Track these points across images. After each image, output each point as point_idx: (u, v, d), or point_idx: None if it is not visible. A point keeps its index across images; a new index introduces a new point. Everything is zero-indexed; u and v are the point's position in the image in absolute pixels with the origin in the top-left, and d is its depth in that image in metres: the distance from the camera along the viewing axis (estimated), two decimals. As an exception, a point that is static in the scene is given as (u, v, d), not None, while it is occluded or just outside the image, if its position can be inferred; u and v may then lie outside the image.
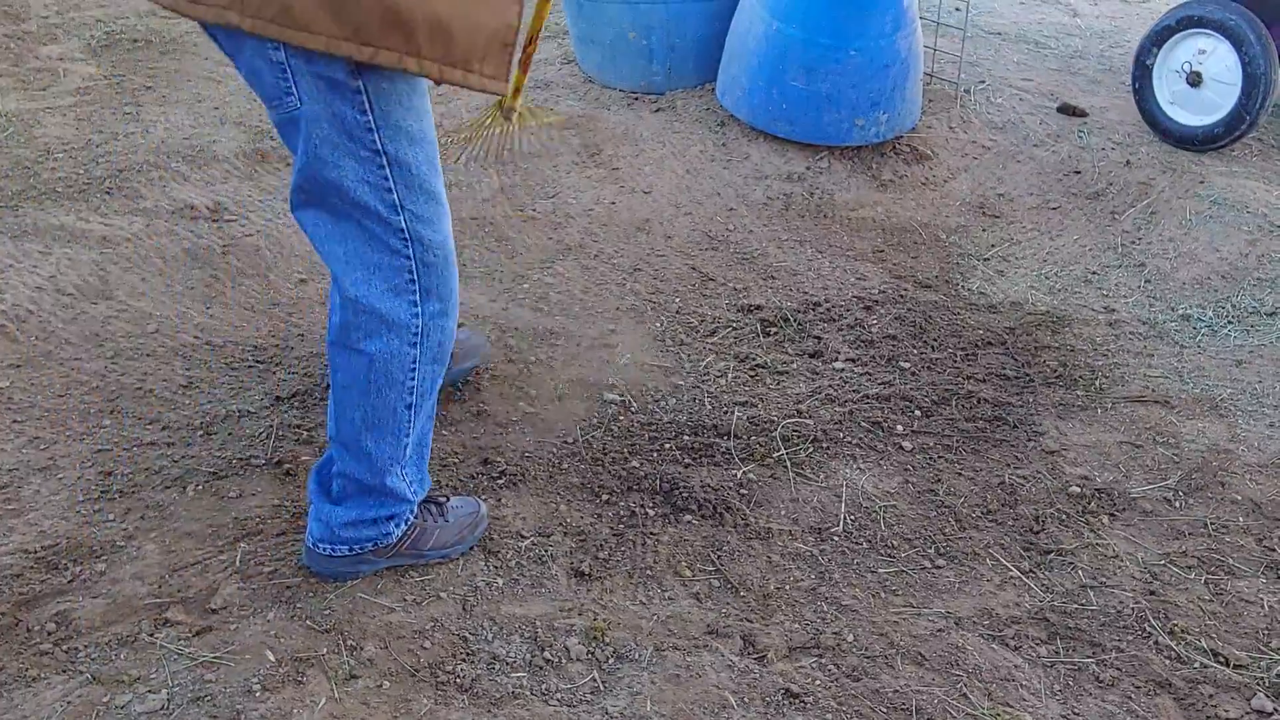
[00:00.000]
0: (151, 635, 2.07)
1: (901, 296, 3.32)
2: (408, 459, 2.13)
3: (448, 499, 2.31)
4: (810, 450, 2.67)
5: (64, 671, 1.99)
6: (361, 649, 2.07)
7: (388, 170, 1.84)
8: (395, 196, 1.86)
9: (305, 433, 2.65)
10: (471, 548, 2.31)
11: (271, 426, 2.66)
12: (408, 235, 1.90)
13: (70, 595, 2.15)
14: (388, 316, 1.95)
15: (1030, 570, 2.35)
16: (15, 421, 2.60)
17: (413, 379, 2.04)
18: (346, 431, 2.07)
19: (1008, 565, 2.36)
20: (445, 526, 2.27)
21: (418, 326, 1.98)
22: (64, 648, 2.04)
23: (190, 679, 1.98)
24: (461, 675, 2.03)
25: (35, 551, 2.25)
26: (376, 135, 1.80)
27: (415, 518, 2.22)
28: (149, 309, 3.08)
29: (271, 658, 2.03)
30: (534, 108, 2.95)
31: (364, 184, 1.83)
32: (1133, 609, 2.25)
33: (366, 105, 1.77)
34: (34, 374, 2.79)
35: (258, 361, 2.91)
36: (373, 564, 2.22)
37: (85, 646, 2.04)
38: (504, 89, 1.80)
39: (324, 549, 2.17)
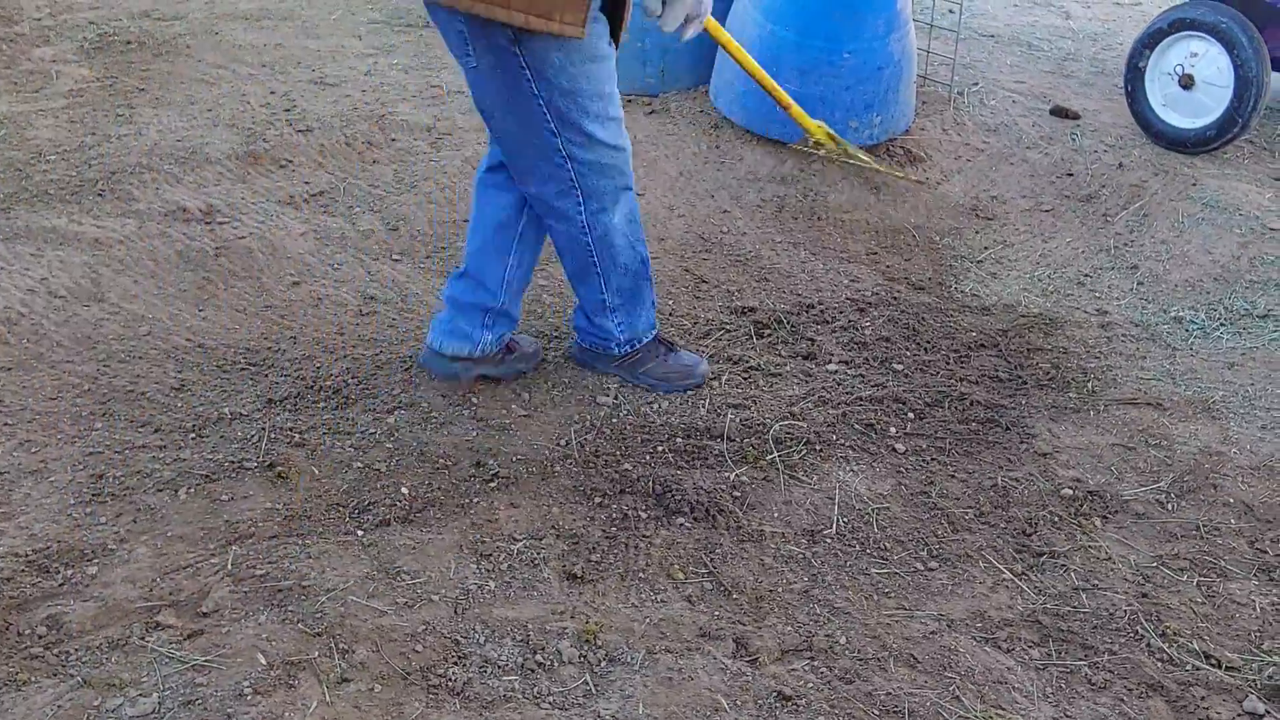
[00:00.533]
0: (143, 638, 2.07)
1: (894, 299, 3.32)
2: (603, 310, 2.76)
3: (676, 347, 2.89)
4: (803, 452, 2.68)
5: (55, 675, 1.98)
6: (353, 652, 2.06)
7: (546, 112, 2.39)
8: (552, 128, 2.42)
9: (297, 435, 2.64)
10: (684, 391, 2.84)
11: (264, 429, 2.66)
12: (565, 155, 2.47)
13: (61, 598, 2.15)
14: (559, 210, 2.58)
15: (1022, 572, 2.36)
16: (6, 424, 2.60)
17: (591, 254, 2.64)
18: (567, 270, 2.77)
19: (1000, 567, 2.37)
20: (662, 363, 2.85)
21: (583, 220, 2.59)
22: (55, 651, 2.03)
23: (181, 682, 1.98)
24: (453, 678, 2.03)
25: (26, 555, 2.24)
26: (534, 87, 2.35)
27: (639, 348, 2.84)
28: (141, 311, 3.07)
29: (263, 661, 2.03)
30: (845, 149, 3.47)
31: (529, 121, 2.41)
32: (1125, 611, 2.25)
33: (524, 65, 2.32)
34: (25, 376, 2.78)
35: (250, 364, 2.90)
36: (604, 367, 2.89)
37: (76, 650, 2.04)
38: (580, 34, 2.26)
39: (577, 340, 2.91)
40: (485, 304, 2.76)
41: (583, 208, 2.56)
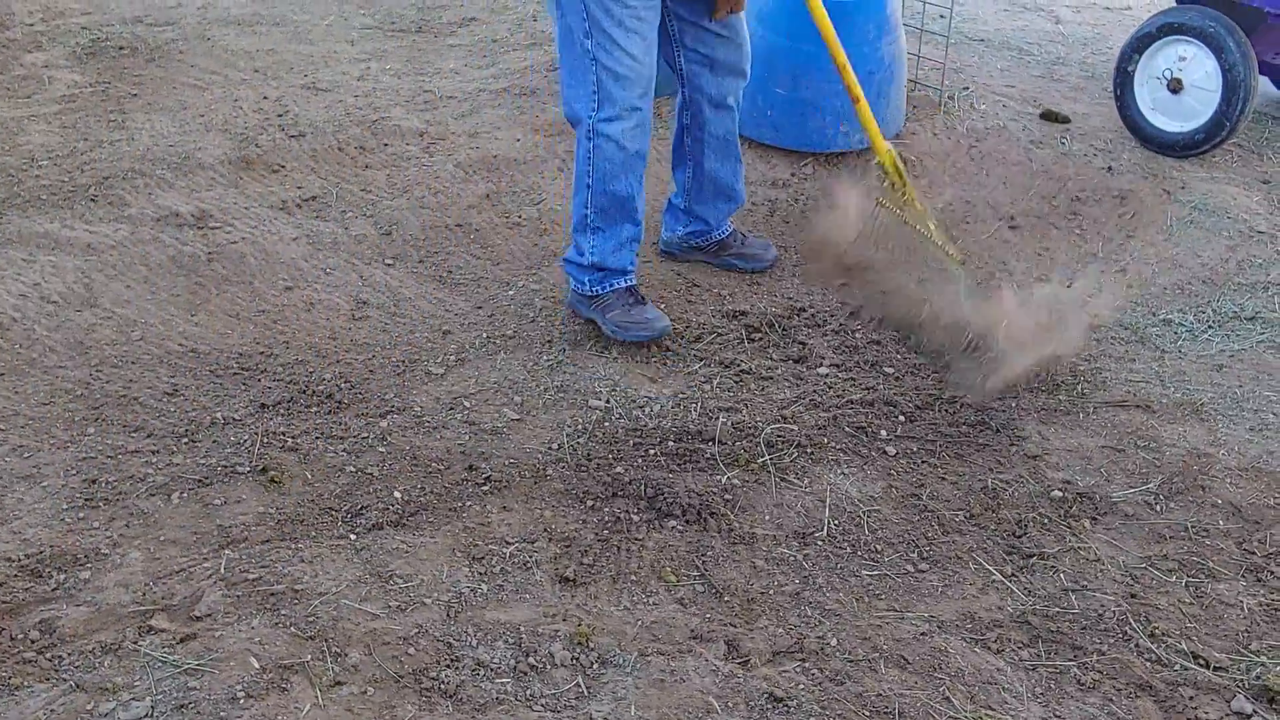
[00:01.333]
0: (136, 643, 2.07)
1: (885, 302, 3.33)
2: (585, 227, 3.01)
3: (645, 302, 3.08)
4: (794, 455, 2.69)
5: (48, 680, 1.99)
6: (346, 655, 2.07)
7: (585, 13, 2.79)
8: (586, 29, 2.80)
9: (290, 440, 2.65)
10: (635, 340, 3.02)
11: (256, 434, 2.66)
12: (593, 57, 2.82)
13: (54, 603, 2.15)
14: (578, 115, 2.92)
15: (1012, 574, 2.37)
16: (-1, 429, 2.60)
17: (588, 162, 2.93)
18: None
19: (990, 569, 2.38)
20: (625, 312, 3.03)
21: (590, 124, 2.89)
22: (48, 656, 2.04)
23: (174, 686, 1.98)
24: (446, 681, 2.03)
25: (19, 559, 2.24)
26: (588, 26, 2.81)
27: (608, 293, 3.05)
28: (133, 316, 3.08)
29: (256, 665, 2.04)
30: (909, 195, 3.17)
31: (572, 29, 2.84)
32: (1114, 612, 2.27)
33: (583, 9, 2.79)
34: (18, 382, 2.79)
35: (242, 369, 2.91)
36: (584, 310, 3.12)
37: (69, 654, 2.04)
38: None
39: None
40: (671, 202, 3.44)
41: (595, 113, 2.88)
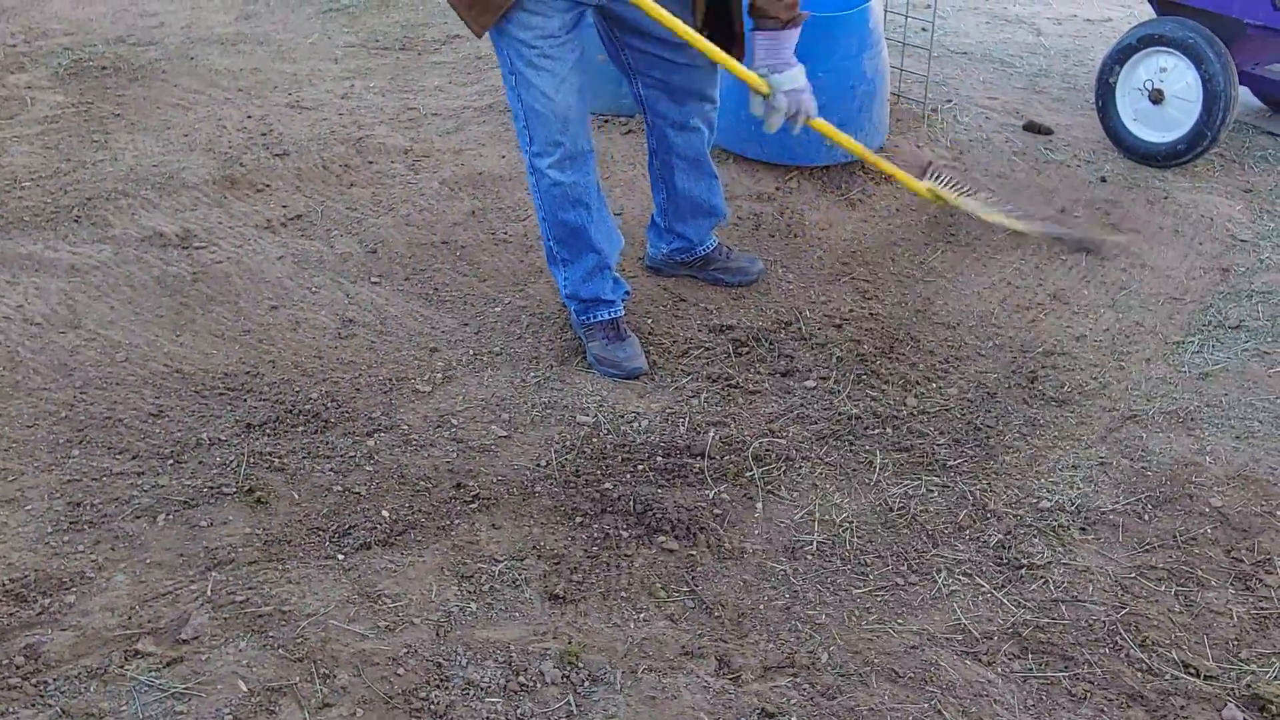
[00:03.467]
0: (122, 667, 2.05)
1: (871, 315, 3.34)
2: (553, 259, 3.09)
3: (626, 337, 3.09)
4: (783, 469, 2.69)
5: (33, 705, 1.97)
6: (335, 677, 2.06)
7: (509, 68, 2.81)
8: (515, 79, 2.82)
9: (276, 460, 2.64)
10: (614, 379, 3.02)
11: (242, 454, 2.65)
12: (516, 95, 2.84)
13: (39, 628, 2.13)
14: (522, 151, 2.96)
15: (1002, 585, 2.37)
16: (-18, 453, 2.58)
17: (539, 199, 2.98)
18: None
19: (979, 581, 2.38)
20: (604, 346, 3.06)
21: (529, 160, 2.93)
22: (33, 681, 2.02)
23: (161, 711, 1.97)
24: (436, 702, 2.02)
25: (3, 584, 2.23)
26: (509, 68, 2.82)
27: (592, 324, 3.10)
28: (118, 338, 3.06)
29: (244, 688, 2.02)
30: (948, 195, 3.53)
31: (505, 74, 2.85)
32: (1104, 622, 2.27)
33: (504, 52, 2.80)
34: (1, 405, 2.77)
35: (228, 389, 2.90)
36: (577, 330, 3.17)
37: (55, 680, 2.02)
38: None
39: None
40: (653, 220, 3.47)
41: (529, 148, 2.91)
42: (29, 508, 2.45)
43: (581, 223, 2.98)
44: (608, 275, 3.09)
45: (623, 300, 3.15)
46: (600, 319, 3.09)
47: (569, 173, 2.91)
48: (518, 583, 2.32)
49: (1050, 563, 2.43)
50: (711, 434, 2.79)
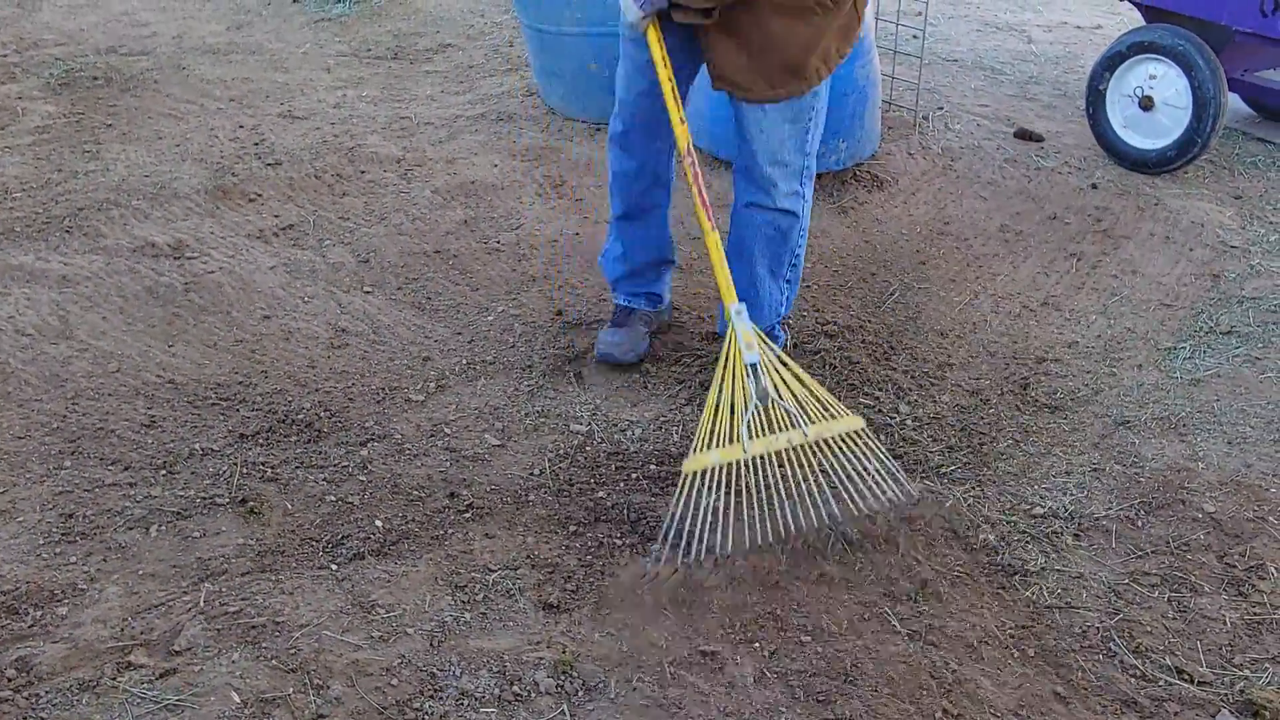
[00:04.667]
0: (114, 679, 2.05)
1: (863, 324, 3.35)
2: (607, 249, 3.19)
3: (623, 324, 3.14)
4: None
5: (25, 718, 1.96)
6: (328, 688, 2.05)
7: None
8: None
9: (269, 470, 2.63)
10: (617, 366, 3.09)
11: (235, 464, 2.65)
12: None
13: (31, 640, 2.13)
14: None
15: (995, 591, 2.37)
16: (-26, 465, 2.58)
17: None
18: None
19: (973, 587, 2.38)
20: (604, 326, 3.18)
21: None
22: (25, 694, 2.01)
23: (154, 723, 1.96)
24: (430, 712, 2.02)
25: (-5, 596, 2.22)
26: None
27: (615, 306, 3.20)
28: (110, 348, 3.06)
29: (237, 699, 2.01)
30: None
31: None
32: (1097, 628, 2.27)
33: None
34: (-7, 416, 2.76)
35: (220, 399, 2.89)
36: None
37: (47, 692, 2.01)
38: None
39: None
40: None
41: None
42: (21, 519, 2.44)
43: (616, 210, 3.13)
44: (620, 267, 3.17)
45: (631, 300, 3.20)
46: (616, 300, 3.20)
47: (614, 160, 3.05)
48: (511, 592, 2.31)
49: (1044, 568, 2.43)
50: (705, 442, 2.79)
